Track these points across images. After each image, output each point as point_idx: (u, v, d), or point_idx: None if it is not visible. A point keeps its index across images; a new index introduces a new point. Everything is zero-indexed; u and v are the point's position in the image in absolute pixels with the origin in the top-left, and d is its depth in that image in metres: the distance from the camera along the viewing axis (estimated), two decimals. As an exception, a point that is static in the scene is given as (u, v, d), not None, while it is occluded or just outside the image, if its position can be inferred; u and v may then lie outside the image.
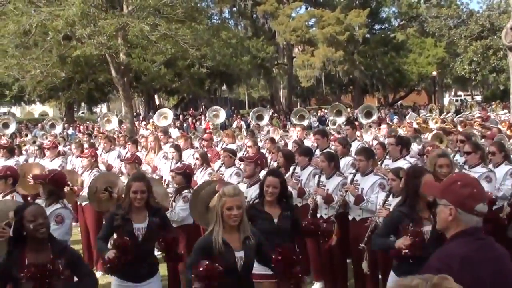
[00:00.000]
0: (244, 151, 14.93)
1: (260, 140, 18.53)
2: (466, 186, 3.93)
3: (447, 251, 3.94)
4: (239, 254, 5.69)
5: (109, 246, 7.06)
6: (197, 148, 16.76)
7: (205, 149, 15.47)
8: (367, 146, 14.49)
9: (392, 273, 6.51)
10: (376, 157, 10.30)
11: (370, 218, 8.51)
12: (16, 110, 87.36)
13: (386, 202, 8.25)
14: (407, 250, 5.95)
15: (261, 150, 14.95)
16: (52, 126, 29.03)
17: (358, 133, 18.41)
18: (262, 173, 10.57)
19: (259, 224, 6.83)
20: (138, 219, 6.98)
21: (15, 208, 5.65)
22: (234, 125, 35.30)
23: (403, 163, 10.27)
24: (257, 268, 6.81)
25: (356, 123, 22.19)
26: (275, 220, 7.05)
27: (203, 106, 61.60)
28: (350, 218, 9.35)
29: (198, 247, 5.91)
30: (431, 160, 7.55)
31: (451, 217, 3.90)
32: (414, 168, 7.04)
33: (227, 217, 5.64)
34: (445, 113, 31.52)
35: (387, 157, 11.26)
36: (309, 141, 15.59)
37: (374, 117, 24.28)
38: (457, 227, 3.87)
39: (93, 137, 23.10)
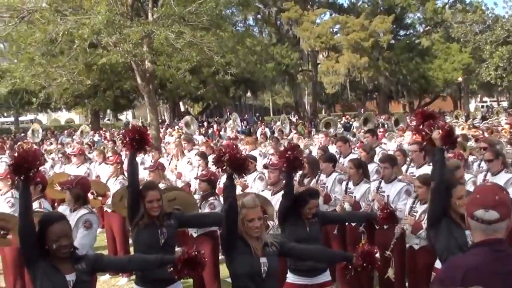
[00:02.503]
0: (268, 159, 14.94)
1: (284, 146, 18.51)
2: (473, 193, 3.93)
3: (454, 261, 3.92)
4: (263, 259, 5.66)
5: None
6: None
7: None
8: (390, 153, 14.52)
9: None
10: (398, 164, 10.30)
11: (397, 226, 8.46)
12: (42, 117, 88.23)
13: (413, 209, 8.25)
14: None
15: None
16: (83, 133, 29.40)
17: (384, 140, 18.42)
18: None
19: (293, 231, 7.05)
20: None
21: (39, 219, 5.49)
22: (259, 131, 35.32)
23: (429, 169, 10.32)
24: (289, 277, 6.90)
25: (382, 129, 22.16)
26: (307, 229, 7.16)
27: (228, 113, 61.70)
28: (377, 226, 9.32)
29: None
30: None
31: (467, 225, 3.91)
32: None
33: (249, 229, 5.66)
34: (471, 119, 31.34)
35: (412, 164, 11.25)
36: (334, 147, 15.60)
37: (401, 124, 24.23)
38: (477, 236, 3.80)
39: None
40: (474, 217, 3.73)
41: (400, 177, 9.66)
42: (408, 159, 11.58)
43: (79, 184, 7.97)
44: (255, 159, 12.94)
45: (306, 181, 11.07)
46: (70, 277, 5.29)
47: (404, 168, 11.47)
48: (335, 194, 10.20)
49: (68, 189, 7.94)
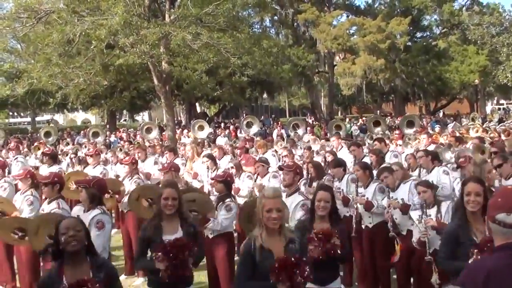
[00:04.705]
0: (281, 161, 14.95)
1: (300, 148, 18.60)
2: (494, 196, 3.87)
3: (476, 264, 3.88)
4: None
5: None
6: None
7: (239, 157, 15.69)
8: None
9: None
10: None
11: (423, 233, 8.13)
12: (59, 118, 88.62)
13: (426, 213, 8.19)
14: None
15: (299, 160, 15.09)
16: (95, 134, 29.29)
17: (399, 141, 18.40)
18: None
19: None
20: (169, 230, 6.69)
21: (56, 222, 5.55)
22: (275, 133, 35.28)
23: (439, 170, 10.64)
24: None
25: (398, 131, 22.09)
26: None
27: (244, 114, 61.66)
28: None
29: (241, 255, 5.80)
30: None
31: (487, 228, 3.87)
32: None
33: (266, 219, 5.54)
34: (488, 122, 31.20)
35: (423, 171, 11.41)
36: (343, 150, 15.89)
37: (416, 127, 24.08)
38: (498, 240, 3.74)
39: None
40: (495, 220, 3.68)
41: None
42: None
43: (96, 185, 7.99)
44: (267, 162, 13.11)
45: (314, 184, 11.12)
46: None
47: (416, 172, 11.57)
48: (352, 194, 10.23)
49: (84, 188, 7.97)
